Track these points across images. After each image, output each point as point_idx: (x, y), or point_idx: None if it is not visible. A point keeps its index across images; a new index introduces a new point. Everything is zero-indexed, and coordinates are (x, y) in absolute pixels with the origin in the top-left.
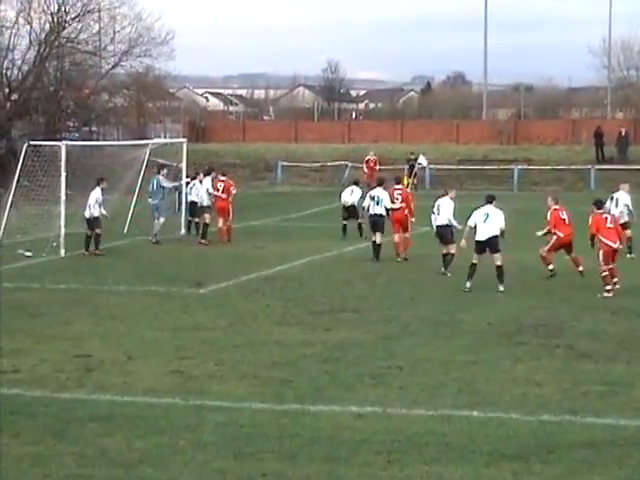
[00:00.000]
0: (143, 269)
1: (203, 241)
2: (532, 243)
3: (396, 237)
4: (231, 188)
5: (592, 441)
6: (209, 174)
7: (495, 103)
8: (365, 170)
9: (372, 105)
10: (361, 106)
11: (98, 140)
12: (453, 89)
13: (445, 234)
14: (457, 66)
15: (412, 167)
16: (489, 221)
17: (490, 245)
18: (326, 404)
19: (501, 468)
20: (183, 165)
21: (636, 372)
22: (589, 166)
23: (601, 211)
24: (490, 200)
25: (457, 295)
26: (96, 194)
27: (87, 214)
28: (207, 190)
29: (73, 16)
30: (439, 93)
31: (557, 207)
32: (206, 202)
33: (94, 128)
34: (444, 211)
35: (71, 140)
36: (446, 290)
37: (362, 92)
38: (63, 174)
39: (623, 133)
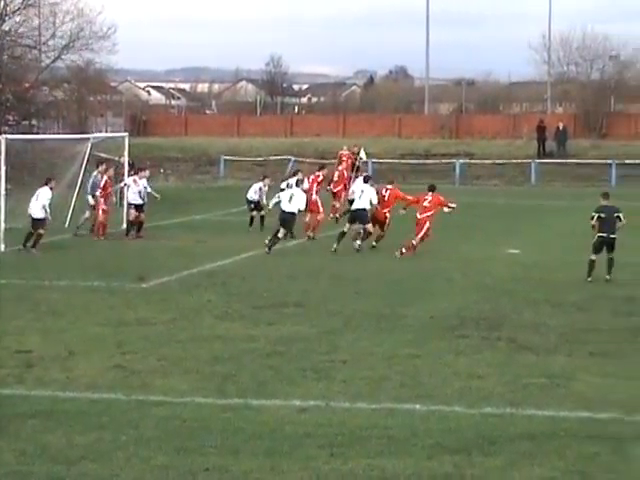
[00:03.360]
0: (85, 264)
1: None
2: (478, 237)
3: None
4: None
5: (533, 433)
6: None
7: (437, 97)
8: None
9: (315, 99)
10: (304, 100)
11: (38, 134)
12: (395, 83)
13: (364, 216)
14: (399, 61)
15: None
16: (362, 196)
17: (358, 216)
18: (269, 398)
19: (443, 461)
20: (125, 159)
21: (576, 364)
22: (530, 160)
23: None
24: (365, 180)
25: (400, 289)
26: (46, 194)
27: (36, 214)
28: (145, 188)
29: (13, 10)
30: (381, 87)
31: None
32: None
33: (34, 122)
34: (366, 196)
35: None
36: (389, 284)
37: (305, 86)
38: (2, 168)
39: (561, 127)
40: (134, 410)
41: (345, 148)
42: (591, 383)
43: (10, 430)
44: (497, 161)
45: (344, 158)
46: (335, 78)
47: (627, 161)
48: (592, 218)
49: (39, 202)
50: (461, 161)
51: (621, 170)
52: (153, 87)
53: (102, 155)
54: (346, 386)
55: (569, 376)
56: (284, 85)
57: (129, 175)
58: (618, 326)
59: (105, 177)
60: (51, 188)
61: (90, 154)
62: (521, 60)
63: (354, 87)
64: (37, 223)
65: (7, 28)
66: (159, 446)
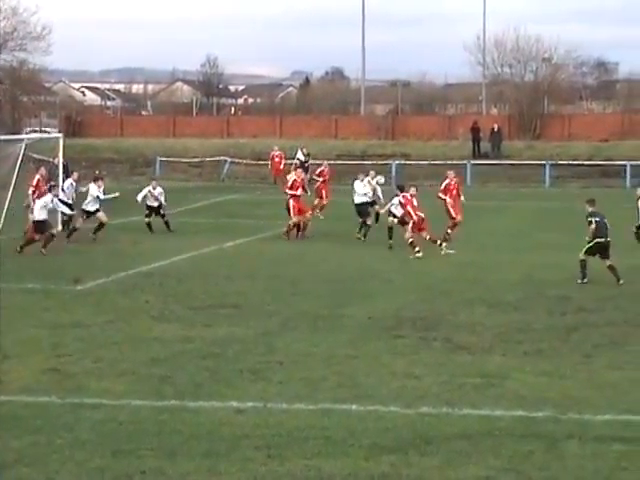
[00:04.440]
0: (20, 266)
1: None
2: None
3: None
4: None
5: (468, 432)
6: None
7: (373, 99)
8: (270, 166)
9: (251, 100)
10: (240, 101)
11: None
12: (332, 84)
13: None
14: (335, 62)
15: (303, 163)
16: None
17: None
18: (206, 400)
19: (380, 461)
20: (60, 160)
21: (511, 364)
22: (465, 161)
23: None
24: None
25: (338, 290)
26: (46, 199)
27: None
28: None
29: None
30: (317, 88)
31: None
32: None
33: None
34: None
35: None
36: (327, 285)
37: (241, 87)
38: None
39: (496, 129)
40: (69, 413)
41: (276, 148)
42: (526, 382)
43: None
44: (433, 162)
45: (276, 159)
46: (271, 79)
47: (561, 162)
48: (590, 223)
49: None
50: (397, 162)
51: (555, 171)
52: (88, 88)
53: (36, 156)
54: (283, 387)
55: (504, 375)
56: (220, 86)
57: (64, 177)
58: (552, 325)
59: (37, 176)
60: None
61: (24, 155)
62: (456, 61)
63: (290, 88)
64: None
65: None
66: (95, 449)
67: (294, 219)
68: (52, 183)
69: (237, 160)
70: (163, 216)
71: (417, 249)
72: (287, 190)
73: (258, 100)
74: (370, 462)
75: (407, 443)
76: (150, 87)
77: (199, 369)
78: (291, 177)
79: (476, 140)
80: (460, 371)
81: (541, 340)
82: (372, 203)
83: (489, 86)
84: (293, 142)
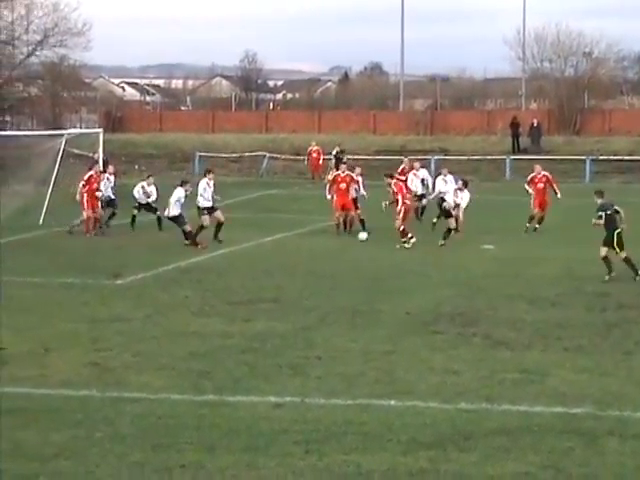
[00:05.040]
0: (59, 260)
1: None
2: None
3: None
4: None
5: (508, 428)
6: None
7: (412, 94)
8: (307, 161)
9: (290, 95)
10: (279, 96)
11: (12, 130)
12: (370, 80)
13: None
14: (375, 57)
15: (338, 159)
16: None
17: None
18: (245, 395)
19: (418, 456)
20: (100, 156)
21: (551, 360)
22: (504, 156)
23: None
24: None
25: (376, 285)
26: (179, 194)
27: (166, 213)
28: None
29: None
30: (356, 83)
31: None
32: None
33: (7, 118)
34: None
35: None
36: (365, 280)
37: (280, 82)
38: None
39: (535, 124)
40: (109, 407)
41: (314, 144)
42: (565, 378)
43: None
44: (472, 157)
45: (314, 155)
46: (310, 74)
47: (601, 157)
48: (600, 218)
49: (171, 201)
50: (436, 157)
51: (595, 166)
52: (128, 83)
53: (76, 151)
54: (321, 382)
55: (544, 371)
56: (259, 81)
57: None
58: (592, 321)
59: (91, 172)
60: (186, 190)
61: (64, 150)
62: (496, 56)
63: (329, 83)
64: (176, 221)
65: None
66: (134, 443)
67: (336, 214)
68: (183, 179)
69: (276, 155)
70: (155, 211)
71: (410, 236)
72: (329, 186)
73: (297, 95)
74: (408, 457)
75: (446, 439)
76: (189, 82)
77: (238, 364)
78: (333, 173)
79: (515, 135)
80: (499, 367)
81: (581, 336)
82: (421, 197)
83: (529, 81)
84: (332, 137)
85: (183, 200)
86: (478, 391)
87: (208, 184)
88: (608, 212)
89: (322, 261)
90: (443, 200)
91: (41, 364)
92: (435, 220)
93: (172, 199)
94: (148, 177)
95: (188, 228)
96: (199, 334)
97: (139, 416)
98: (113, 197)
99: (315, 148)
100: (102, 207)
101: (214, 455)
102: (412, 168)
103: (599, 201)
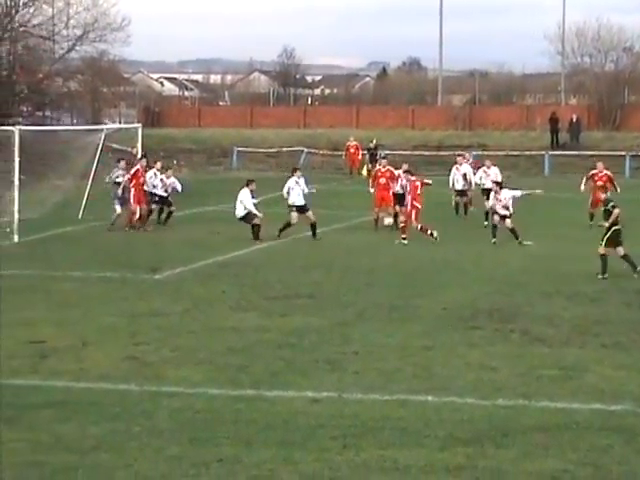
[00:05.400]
0: (98, 255)
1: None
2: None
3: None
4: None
5: (546, 425)
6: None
7: (450, 89)
8: (345, 156)
9: (328, 91)
10: (317, 91)
11: (52, 125)
12: (409, 75)
13: None
14: (413, 52)
15: (372, 154)
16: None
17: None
18: (282, 389)
19: (456, 452)
20: (138, 150)
21: (589, 356)
22: (543, 152)
23: None
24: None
25: (413, 281)
26: (244, 194)
27: (238, 213)
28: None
29: (26, 0)
30: (395, 79)
31: None
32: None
33: (48, 113)
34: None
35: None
36: (402, 276)
37: (318, 78)
38: (16, 159)
39: (575, 119)
40: (147, 401)
41: (352, 139)
42: (604, 375)
43: (24, 420)
44: (510, 152)
45: (352, 150)
46: (348, 69)
47: None
48: (615, 207)
49: (238, 201)
50: (474, 153)
51: (635, 162)
52: (166, 78)
53: (115, 146)
54: (359, 377)
55: (582, 368)
56: (297, 76)
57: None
58: (631, 318)
59: (137, 166)
60: (251, 190)
61: (103, 145)
62: (535, 51)
63: (367, 78)
64: (245, 218)
65: (21, 19)
66: (172, 437)
67: (375, 209)
68: (249, 178)
69: (314, 150)
70: (170, 205)
71: (405, 236)
72: (372, 180)
73: (335, 90)
74: (446, 453)
75: (483, 435)
76: (228, 77)
77: (275, 359)
78: (369, 168)
79: (554, 131)
80: (537, 363)
81: (619, 333)
82: (463, 192)
83: (568, 76)
84: (369, 133)
85: (251, 199)
86: (516, 387)
87: (297, 182)
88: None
89: (359, 256)
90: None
91: (80, 358)
92: (486, 223)
93: (239, 200)
94: (167, 170)
95: (257, 222)
96: (236, 329)
97: (177, 410)
98: (165, 194)
99: (353, 143)
100: (165, 202)
101: (251, 449)
102: (479, 163)
103: (603, 196)
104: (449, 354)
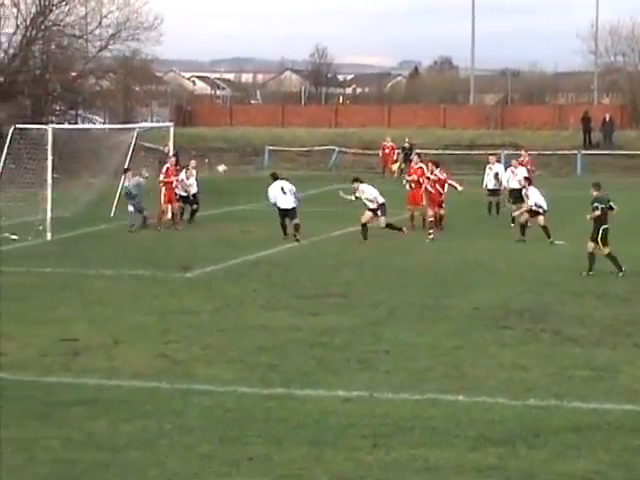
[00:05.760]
0: (130, 253)
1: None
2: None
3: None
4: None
5: (577, 425)
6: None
7: (482, 88)
8: (380, 155)
9: (359, 90)
10: (348, 90)
11: (84, 124)
12: (440, 74)
13: None
14: (444, 51)
15: (407, 154)
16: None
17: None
18: (313, 388)
19: (487, 452)
20: (170, 149)
21: (621, 357)
22: (575, 151)
23: None
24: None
25: (444, 280)
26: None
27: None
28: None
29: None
30: (426, 78)
31: None
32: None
33: (80, 112)
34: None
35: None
36: (433, 275)
37: (349, 77)
38: (49, 158)
39: (607, 118)
40: (178, 399)
41: (388, 139)
42: (636, 376)
43: (56, 417)
44: (543, 152)
45: (387, 150)
46: (380, 68)
47: None
48: (595, 209)
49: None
50: (506, 152)
51: None
52: (198, 77)
53: (147, 145)
54: (390, 377)
55: (614, 368)
56: (329, 75)
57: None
58: None
59: (167, 165)
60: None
61: (135, 144)
62: (568, 50)
63: (399, 77)
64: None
65: (54, 18)
66: (203, 435)
67: (407, 207)
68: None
69: (345, 149)
70: (193, 204)
71: (432, 231)
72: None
73: (366, 89)
74: (476, 453)
75: (514, 435)
76: (259, 76)
77: (306, 357)
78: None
79: (587, 130)
80: (569, 363)
81: None
82: (494, 192)
83: (601, 75)
84: (401, 132)
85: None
86: (547, 388)
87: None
88: (602, 206)
89: (391, 255)
90: (518, 193)
91: (111, 356)
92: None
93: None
94: (187, 169)
95: (297, 221)
96: (267, 327)
97: (207, 408)
98: (184, 194)
99: (390, 144)
100: (187, 201)
101: (281, 448)
102: (528, 160)
103: (595, 194)
104: (480, 354)
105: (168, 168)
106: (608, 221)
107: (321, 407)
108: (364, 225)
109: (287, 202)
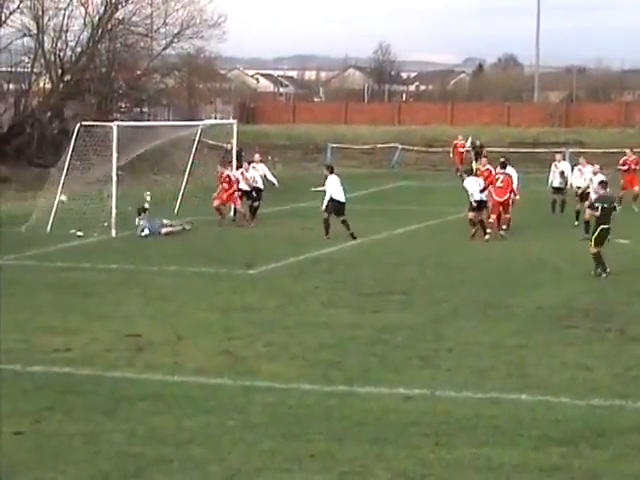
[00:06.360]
0: (193, 250)
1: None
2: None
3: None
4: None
5: None
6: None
7: (546, 85)
8: (452, 154)
9: (422, 87)
10: (411, 88)
11: (149, 121)
12: (504, 71)
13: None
14: (509, 49)
15: (478, 153)
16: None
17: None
18: (374, 386)
19: (550, 452)
20: (233, 146)
21: None
22: None
23: None
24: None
25: (507, 278)
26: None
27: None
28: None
29: None
30: (490, 75)
31: None
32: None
33: (145, 109)
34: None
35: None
36: (496, 273)
37: (413, 74)
38: (115, 155)
39: None
40: (241, 395)
41: (460, 137)
42: None
43: (120, 412)
44: (608, 150)
45: (459, 149)
46: (443, 66)
47: None
48: (596, 209)
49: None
50: (571, 150)
51: None
52: (262, 75)
53: (210, 142)
54: (451, 375)
55: None
56: (392, 73)
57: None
58: None
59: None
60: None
61: (199, 141)
62: (634, 47)
63: (463, 75)
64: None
65: (120, 16)
66: (265, 431)
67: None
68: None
69: (408, 147)
70: (254, 200)
71: (489, 231)
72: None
73: (430, 87)
74: (540, 453)
75: (578, 435)
76: (322, 74)
77: (368, 355)
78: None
79: None
80: (634, 363)
81: None
82: (560, 190)
83: None
84: (464, 129)
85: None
86: (611, 387)
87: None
88: (605, 205)
89: (453, 253)
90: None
91: (175, 352)
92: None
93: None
94: (250, 163)
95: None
96: (329, 325)
97: (270, 405)
98: (248, 188)
99: (461, 142)
100: (249, 196)
101: (343, 445)
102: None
103: (601, 192)
104: (543, 353)
105: (229, 175)
106: (610, 222)
107: (382, 405)
108: None
109: (343, 196)
